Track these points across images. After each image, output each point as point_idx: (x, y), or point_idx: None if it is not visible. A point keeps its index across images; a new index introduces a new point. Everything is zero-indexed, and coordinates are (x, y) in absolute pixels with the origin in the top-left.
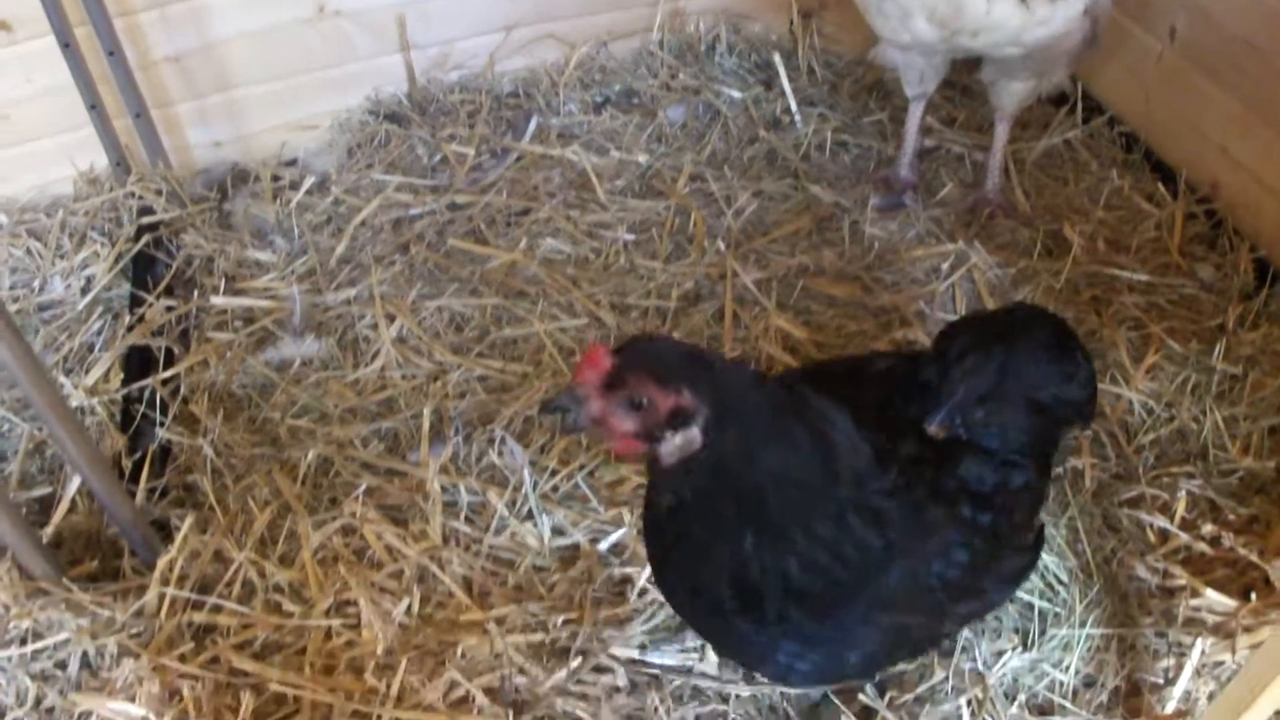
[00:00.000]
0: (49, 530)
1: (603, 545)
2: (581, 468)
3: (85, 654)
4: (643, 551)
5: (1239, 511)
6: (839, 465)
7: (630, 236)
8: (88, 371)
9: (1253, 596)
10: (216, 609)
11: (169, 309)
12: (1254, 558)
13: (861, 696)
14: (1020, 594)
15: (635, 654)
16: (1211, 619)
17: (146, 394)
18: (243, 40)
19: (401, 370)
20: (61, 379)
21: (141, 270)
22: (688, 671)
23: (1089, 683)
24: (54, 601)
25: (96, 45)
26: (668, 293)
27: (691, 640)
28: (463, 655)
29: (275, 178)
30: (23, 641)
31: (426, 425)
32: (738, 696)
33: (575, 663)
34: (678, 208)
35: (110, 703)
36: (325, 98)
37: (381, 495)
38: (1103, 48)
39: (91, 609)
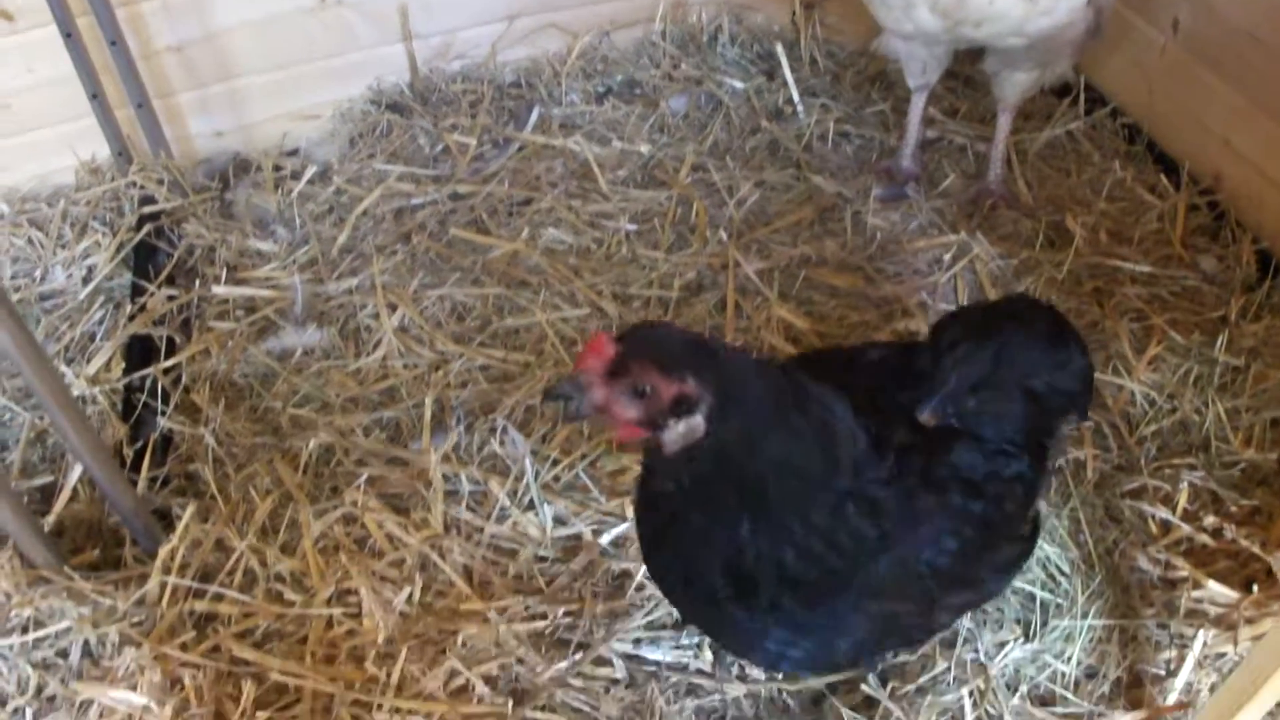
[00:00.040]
0: (50, 519)
1: (604, 539)
2: (583, 457)
3: (87, 642)
4: None
5: (1241, 503)
6: (839, 454)
7: (632, 226)
8: (89, 361)
9: (1254, 588)
10: (218, 598)
11: (170, 298)
12: (1256, 549)
13: (864, 686)
14: (1022, 585)
15: (630, 649)
16: (1213, 610)
17: (148, 383)
18: (244, 30)
19: (403, 360)
20: (63, 368)
21: (143, 260)
22: (683, 669)
23: (1091, 674)
24: (55, 590)
25: (98, 35)
26: (670, 283)
27: (688, 637)
28: (463, 644)
29: (277, 167)
30: (24, 630)
31: (428, 415)
32: (735, 695)
33: (577, 655)
34: (680, 198)
35: (111, 691)
36: (327, 87)
37: (383, 484)
38: (1105, 39)
39: (93, 597)
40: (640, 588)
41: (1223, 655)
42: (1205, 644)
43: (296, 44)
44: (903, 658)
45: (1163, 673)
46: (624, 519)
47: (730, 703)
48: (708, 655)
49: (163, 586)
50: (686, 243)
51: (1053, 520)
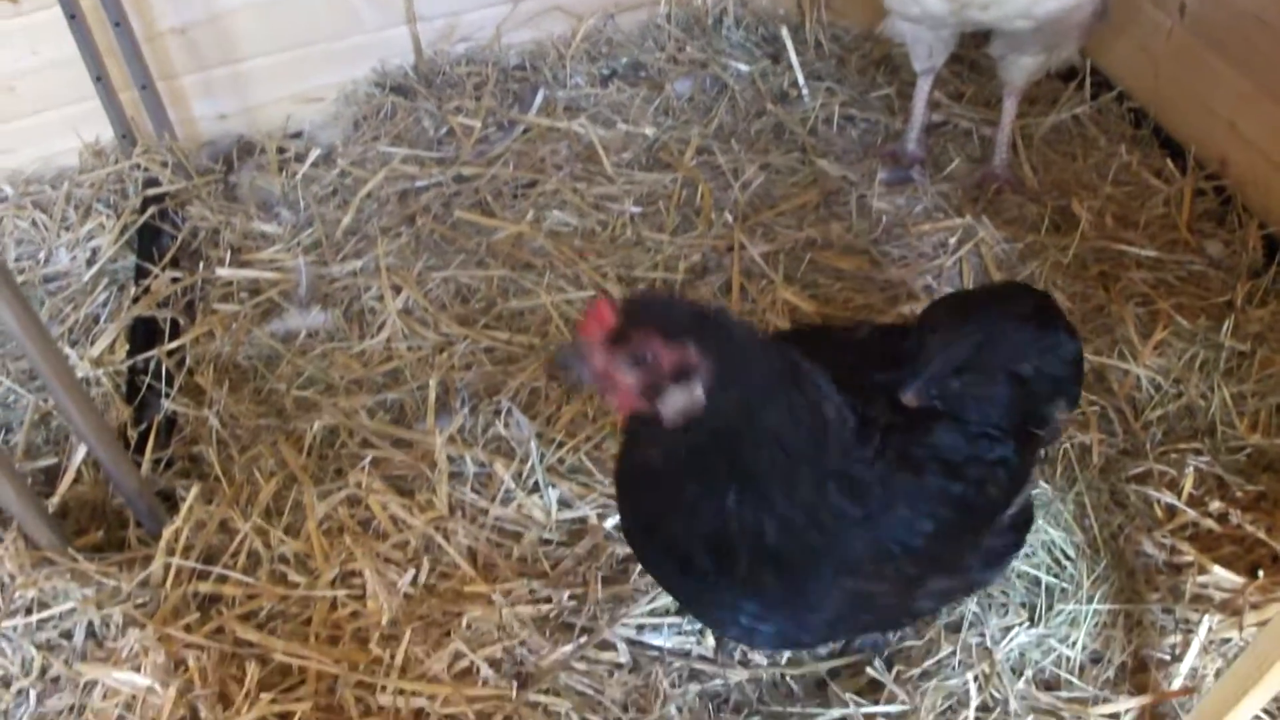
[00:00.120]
0: (54, 500)
1: (609, 523)
2: (588, 440)
3: (91, 624)
4: None
5: (1246, 488)
6: (829, 433)
7: (637, 209)
8: (93, 343)
9: (1260, 574)
10: (222, 579)
11: (174, 281)
12: (1261, 535)
13: (869, 670)
14: (1027, 569)
15: (633, 634)
16: (1219, 596)
17: (152, 365)
18: (248, 12)
19: (407, 342)
20: (67, 350)
21: (147, 242)
22: (686, 654)
23: (1096, 659)
24: (59, 571)
25: (102, 16)
26: (675, 265)
27: (689, 624)
28: (468, 627)
29: (281, 150)
30: (28, 611)
31: (433, 397)
32: (738, 680)
33: (581, 639)
34: (685, 180)
35: (115, 672)
36: (331, 70)
37: (387, 466)
38: (1112, 23)
39: (97, 579)
40: (644, 573)
41: (1228, 640)
42: (1210, 629)
43: (300, 26)
44: (909, 642)
45: (1168, 658)
46: None
47: (733, 687)
48: (710, 641)
49: (167, 568)
50: (691, 225)
51: (1058, 505)
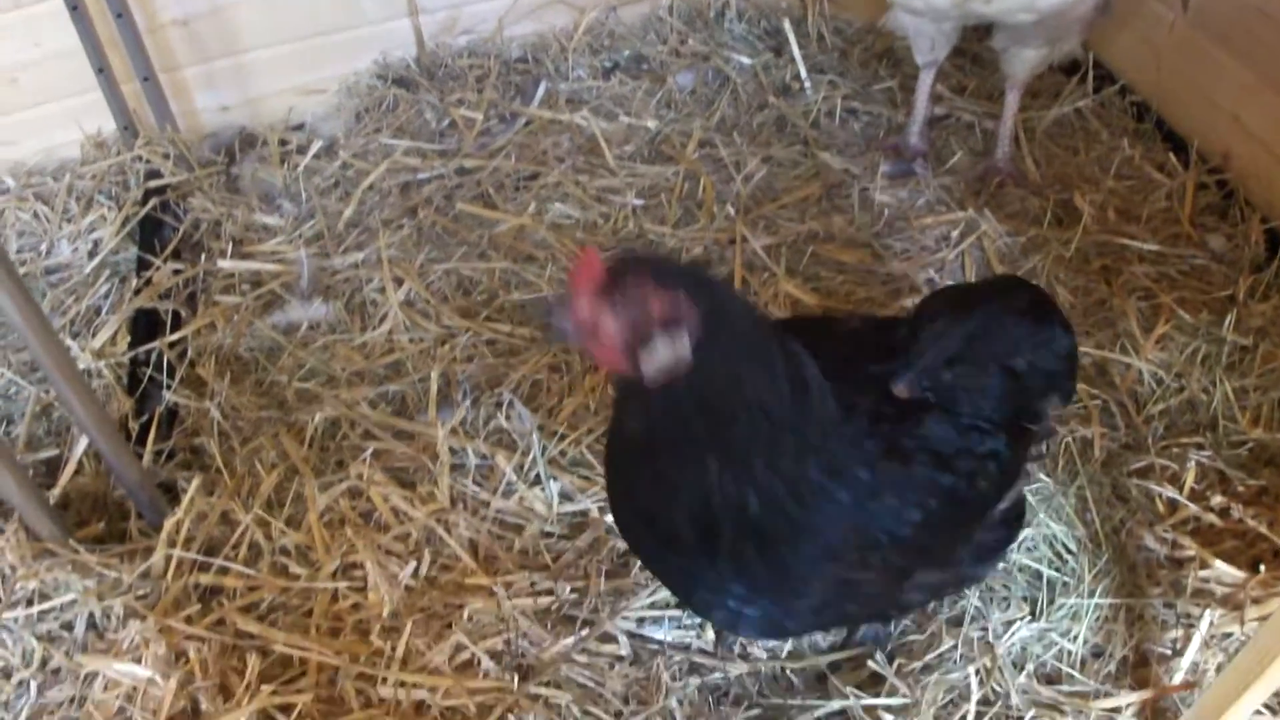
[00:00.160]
0: (56, 492)
1: (610, 517)
2: (590, 432)
3: (91, 615)
4: None
5: (1248, 483)
6: (811, 406)
7: (639, 202)
8: (95, 334)
9: (1261, 568)
10: (223, 571)
11: (176, 272)
12: (1263, 529)
13: (870, 663)
14: (1029, 563)
15: (634, 627)
16: (1220, 590)
17: (153, 357)
18: (251, 4)
19: (409, 334)
20: (69, 342)
21: (149, 234)
22: (686, 648)
23: (1097, 653)
24: (60, 563)
25: (104, 8)
26: (676, 258)
27: (690, 617)
28: (469, 619)
29: (283, 142)
30: (29, 603)
31: (434, 389)
32: (738, 674)
33: (583, 632)
34: (687, 173)
35: (116, 664)
36: (333, 62)
37: (388, 458)
38: (1115, 16)
39: (98, 570)
40: (644, 568)
41: (1229, 635)
42: (1212, 624)
43: (303, 18)
44: (911, 635)
45: (1169, 652)
46: None
47: (733, 680)
48: (710, 635)
49: (168, 560)
50: (693, 218)
51: (1059, 499)
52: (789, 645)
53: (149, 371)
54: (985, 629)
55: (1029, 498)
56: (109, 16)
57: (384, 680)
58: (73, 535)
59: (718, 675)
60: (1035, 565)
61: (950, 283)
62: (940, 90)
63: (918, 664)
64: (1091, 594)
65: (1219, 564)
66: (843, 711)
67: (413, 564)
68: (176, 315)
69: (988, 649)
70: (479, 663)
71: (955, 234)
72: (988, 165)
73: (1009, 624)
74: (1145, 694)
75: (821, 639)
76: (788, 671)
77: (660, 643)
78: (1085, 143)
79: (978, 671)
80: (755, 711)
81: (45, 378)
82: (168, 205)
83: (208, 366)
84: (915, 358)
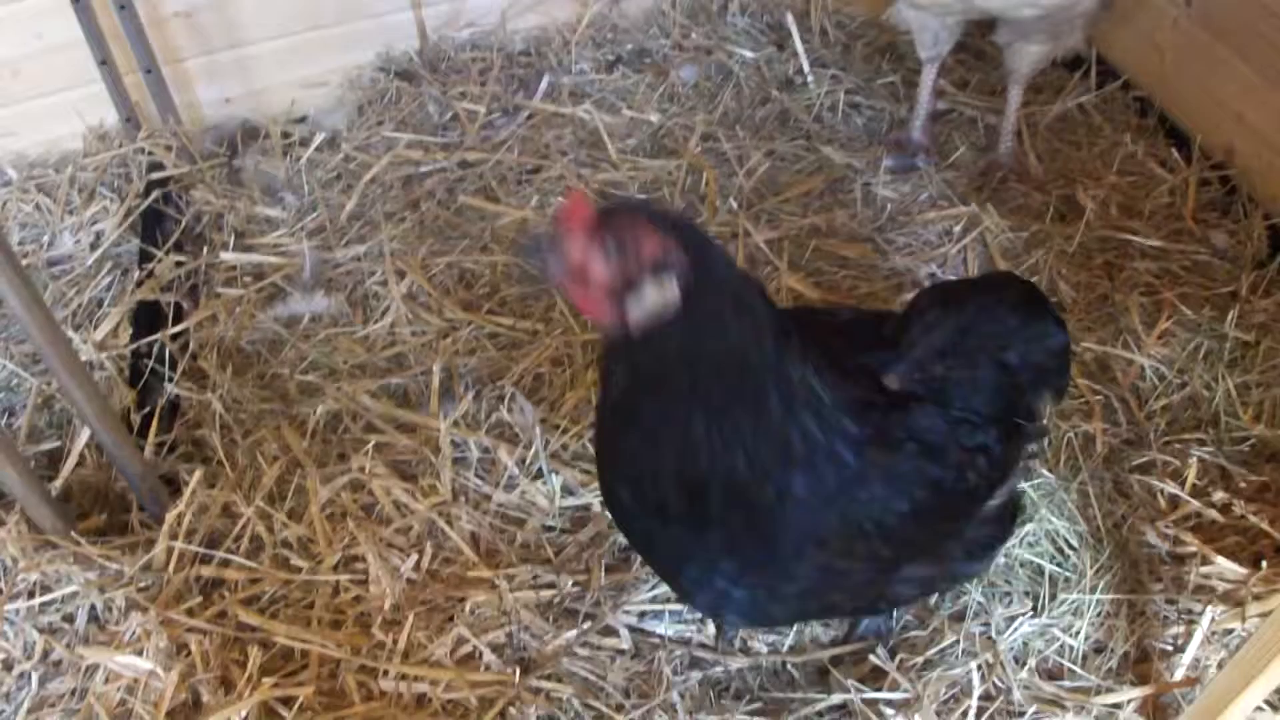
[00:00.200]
0: (58, 484)
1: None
2: (592, 426)
3: (93, 607)
4: None
5: (1250, 479)
6: (793, 355)
7: (642, 195)
8: (97, 326)
9: (1263, 564)
10: (224, 563)
11: (178, 264)
12: (1265, 526)
13: (872, 658)
14: (1031, 558)
15: (635, 621)
16: (1222, 586)
17: (155, 349)
18: None
19: (411, 327)
20: (70, 334)
21: (151, 226)
22: (686, 642)
23: (1099, 648)
24: (62, 555)
25: (107, 0)
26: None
27: (690, 612)
28: (470, 612)
29: (285, 134)
30: (30, 594)
31: (436, 382)
32: (739, 668)
33: (584, 625)
34: (689, 167)
35: (118, 656)
36: (336, 54)
37: (390, 451)
38: (1118, 11)
39: (99, 562)
40: (644, 564)
41: (1230, 631)
42: (1213, 620)
43: (305, 11)
44: (913, 630)
45: (1170, 648)
46: None
47: (734, 674)
48: (710, 629)
49: (169, 552)
50: (696, 212)
51: (1061, 494)
52: (790, 639)
53: (151, 364)
54: (987, 624)
55: (1030, 493)
56: (111, 8)
57: (385, 673)
58: (74, 527)
59: (719, 669)
60: (1037, 560)
61: (954, 278)
62: (943, 85)
63: (919, 659)
64: (1093, 590)
65: (1220, 560)
66: (844, 706)
67: (414, 557)
68: (179, 307)
69: (989, 644)
70: (480, 656)
71: (958, 229)
72: (990, 160)
73: (1011, 619)
74: (1146, 690)
75: (823, 633)
76: (789, 666)
77: (661, 636)
78: (1088, 138)
79: (979, 667)
80: (756, 705)
81: (47, 369)
82: (170, 197)
83: (210, 359)
84: (907, 349)
